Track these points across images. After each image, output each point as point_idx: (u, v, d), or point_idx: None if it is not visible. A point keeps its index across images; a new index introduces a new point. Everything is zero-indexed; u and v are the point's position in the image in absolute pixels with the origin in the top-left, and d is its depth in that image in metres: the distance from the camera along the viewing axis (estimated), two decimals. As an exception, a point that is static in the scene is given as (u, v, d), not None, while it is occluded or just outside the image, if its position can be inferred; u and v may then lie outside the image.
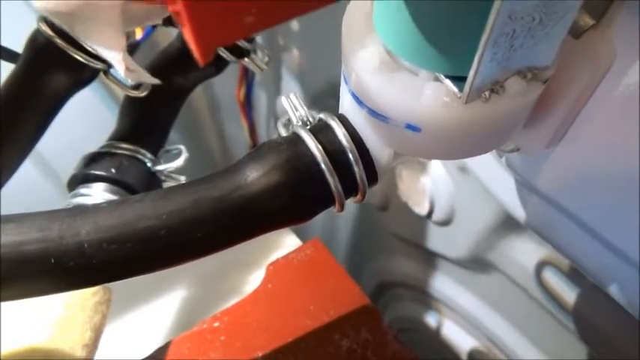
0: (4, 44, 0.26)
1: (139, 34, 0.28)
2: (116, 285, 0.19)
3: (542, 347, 0.34)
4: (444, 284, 0.41)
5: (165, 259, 0.16)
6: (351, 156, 0.16)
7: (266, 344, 0.28)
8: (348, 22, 0.16)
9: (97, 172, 0.27)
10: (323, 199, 0.16)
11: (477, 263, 0.35)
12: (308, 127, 0.17)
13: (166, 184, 0.30)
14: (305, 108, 0.18)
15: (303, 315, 0.29)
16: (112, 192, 0.27)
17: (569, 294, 0.28)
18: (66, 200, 0.28)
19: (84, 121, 0.45)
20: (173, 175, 0.30)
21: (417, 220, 0.38)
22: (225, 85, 0.48)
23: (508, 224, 0.30)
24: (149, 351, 0.29)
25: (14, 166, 0.26)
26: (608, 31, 0.15)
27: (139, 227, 0.15)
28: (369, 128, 0.16)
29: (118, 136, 0.29)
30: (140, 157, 0.28)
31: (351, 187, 0.17)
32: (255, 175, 0.16)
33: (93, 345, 0.26)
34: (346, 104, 0.17)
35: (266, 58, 0.31)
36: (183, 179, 0.30)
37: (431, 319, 0.45)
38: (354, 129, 0.16)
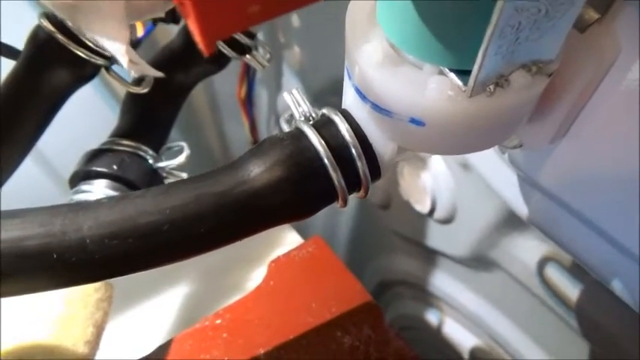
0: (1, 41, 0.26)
1: (140, 31, 0.28)
2: (118, 282, 0.19)
3: (544, 345, 0.34)
4: (445, 282, 0.41)
5: (166, 254, 0.16)
6: (354, 151, 0.16)
7: (268, 341, 0.28)
8: (352, 16, 0.16)
9: (99, 169, 0.27)
10: (326, 195, 0.16)
11: (478, 261, 0.35)
12: (311, 122, 0.17)
13: (168, 181, 0.30)
14: (307, 103, 0.18)
15: (305, 312, 0.29)
16: (114, 189, 0.27)
17: (571, 290, 0.28)
18: (67, 198, 0.28)
19: (85, 119, 0.45)
20: (174, 172, 0.30)
21: (419, 218, 0.38)
22: (226, 82, 0.48)
23: (510, 221, 0.30)
24: (151, 348, 0.29)
25: (15, 163, 0.26)
26: (613, 25, 0.15)
27: (141, 223, 0.15)
28: (373, 123, 0.16)
29: (120, 133, 0.29)
30: (142, 153, 0.28)
31: (354, 183, 0.17)
32: (257, 171, 0.16)
33: (95, 341, 0.26)
34: (349, 99, 0.17)
35: (267, 55, 0.31)
36: (184, 176, 0.30)
37: (432, 317, 0.45)
38: (357, 124, 0.16)
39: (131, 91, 0.27)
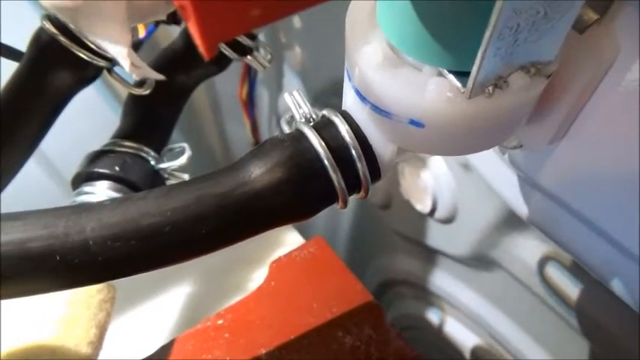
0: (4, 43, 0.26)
1: (141, 32, 0.28)
2: (120, 283, 0.20)
3: (544, 344, 0.34)
4: (446, 282, 0.41)
5: (168, 256, 0.16)
6: (354, 152, 0.16)
7: (269, 341, 0.28)
8: (352, 17, 0.16)
9: (101, 170, 0.27)
10: (326, 196, 0.16)
11: (479, 260, 0.35)
12: (311, 123, 0.17)
13: (169, 182, 0.30)
14: (308, 105, 0.18)
15: (306, 312, 0.29)
16: (116, 190, 0.27)
17: (571, 290, 0.28)
18: (69, 199, 0.28)
19: (87, 120, 0.45)
20: (176, 173, 0.30)
21: (420, 218, 0.38)
22: (228, 83, 0.48)
23: (511, 221, 0.30)
24: (153, 349, 0.29)
25: (18, 165, 0.26)
26: (612, 26, 0.15)
27: (143, 224, 0.15)
28: (373, 124, 0.16)
29: (122, 135, 0.29)
30: (143, 155, 0.29)
31: (354, 184, 0.17)
32: (258, 172, 0.16)
33: (98, 342, 0.26)
34: (349, 100, 0.17)
35: (268, 56, 0.31)
36: (186, 177, 0.30)
37: (433, 317, 0.45)
38: (357, 125, 0.16)
39: (133, 92, 0.27)
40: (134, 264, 0.16)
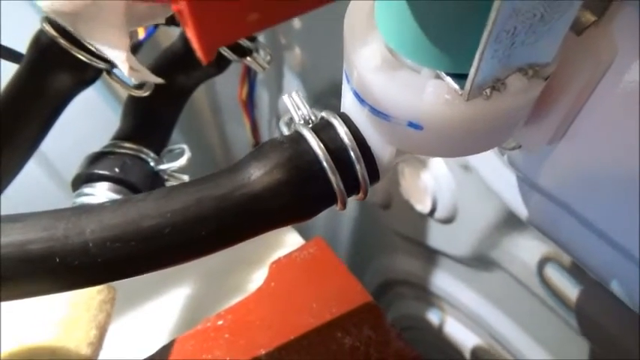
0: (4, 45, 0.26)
1: (141, 33, 0.28)
2: (120, 284, 0.20)
3: (544, 344, 0.34)
4: (446, 282, 0.41)
5: (168, 257, 0.16)
6: (352, 154, 0.16)
7: (269, 342, 0.28)
8: (350, 20, 0.16)
9: (101, 172, 0.27)
10: (325, 198, 0.17)
11: (479, 261, 0.35)
12: (310, 125, 0.17)
13: (169, 184, 0.30)
14: (307, 106, 0.18)
15: (306, 313, 0.29)
16: (116, 191, 0.27)
17: (571, 290, 0.28)
18: (69, 200, 0.28)
19: (87, 121, 0.45)
20: (176, 175, 0.30)
21: (420, 218, 0.38)
22: (227, 84, 0.48)
23: (510, 222, 0.30)
24: (153, 349, 0.29)
25: (18, 166, 0.26)
26: (610, 27, 0.15)
27: (143, 226, 0.16)
28: (371, 126, 0.16)
29: (121, 136, 0.29)
30: (143, 156, 0.29)
31: (353, 186, 0.17)
32: (257, 174, 0.16)
33: (98, 343, 0.26)
34: (348, 103, 0.17)
35: (268, 57, 0.31)
36: (186, 178, 0.30)
37: (433, 317, 0.45)
38: (356, 127, 0.16)
39: (132, 94, 0.27)
40: (134, 265, 0.16)
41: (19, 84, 0.25)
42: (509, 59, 0.13)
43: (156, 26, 0.28)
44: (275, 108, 0.49)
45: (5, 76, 0.25)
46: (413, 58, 0.14)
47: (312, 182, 0.16)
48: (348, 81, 0.16)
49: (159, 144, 0.30)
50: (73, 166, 0.29)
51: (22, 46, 0.25)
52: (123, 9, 0.17)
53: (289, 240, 0.39)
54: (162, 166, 0.29)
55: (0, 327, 0.25)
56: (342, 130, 0.16)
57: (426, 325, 0.46)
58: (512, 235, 0.31)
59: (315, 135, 0.16)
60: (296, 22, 0.40)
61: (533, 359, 0.35)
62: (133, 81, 0.23)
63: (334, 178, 0.16)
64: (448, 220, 0.35)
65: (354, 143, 0.16)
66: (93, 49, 0.24)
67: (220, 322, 0.29)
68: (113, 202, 0.16)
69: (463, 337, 0.42)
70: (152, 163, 0.29)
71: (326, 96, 0.42)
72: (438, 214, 0.35)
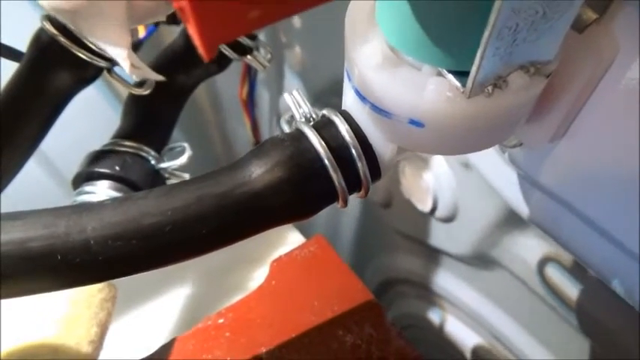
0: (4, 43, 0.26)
1: (141, 32, 0.28)
2: (121, 282, 0.20)
3: (545, 343, 0.34)
4: (447, 280, 0.41)
5: (169, 255, 0.16)
6: (354, 152, 0.16)
7: (270, 340, 0.28)
8: (351, 17, 0.16)
9: (101, 170, 0.27)
10: (326, 195, 0.17)
11: (480, 260, 0.35)
12: (311, 123, 0.17)
13: (170, 182, 0.30)
14: (308, 104, 0.18)
15: (307, 311, 0.29)
16: (116, 189, 0.27)
17: (571, 289, 0.28)
18: (70, 199, 0.28)
19: (88, 120, 0.45)
20: (177, 173, 0.30)
21: (420, 217, 0.38)
22: (228, 83, 0.48)
23: (511, 220, 0.30)
24: (154, 348, 0.29)
25: (18, 165, 0.26)
26: (611, 25, 0.15)
27: (144, 224, 0.16)
28: (372, 124, 0.16)
29: (122, 134, 0.29)
30: (144, 154, 0.29)
31: (354, 183, 0.17)
32: (258, 172, 0.16)
33: (99, 341, 0.26)
34: (349, 100, 0.17)
35: (268, 56, 0.31)
36: (186, 177, 0.30)
37: (434, 316, 0.45)
38: (357, 125, 0.16)
39: (133, 92, 0.27)
40: (135, 263, 0.16)
41: (19, 82, 0.25)
42: (510, 57, 0.13)
43: (156, 25, 0.28)
44: (275, 107, 0.49)
45: (5, 75, 0.25)
46: (414, 55, 0.14)
47: (314, 180, 0.16)
48: (350, 79, 0.16)
49: (159, 142, 0.30)
50: (74, 165, 0.29)
51: (22, 44, 0.25)
52: (124, 6, 0.17)
53: (290, 238, 0.39)
54: (162, 165, 0.29)
55: (0, 325, 0.25)
56: (344, 128, 0.16)
57: (426, 324, 0.46)
58: (513, 233, 0.31)
59: (316, 133, 0.16)
60: (296, 21, 0.39)
61: (534, 358, 0.35)
62: (134, 79, 0.23)
63: (336, 176, 0.16)
64: (449, 219, 0.35)
65: (356, 141, 0.16)
66: (93, 47, 0.24)
67: (221, 321, 0.29)
68: (114, 199, 0.16)
69: (464, 335, 0.42)
70: (153, 162, 0.29)
71: (326, 95, 0.42)
72: (439, 212, 0.35)
